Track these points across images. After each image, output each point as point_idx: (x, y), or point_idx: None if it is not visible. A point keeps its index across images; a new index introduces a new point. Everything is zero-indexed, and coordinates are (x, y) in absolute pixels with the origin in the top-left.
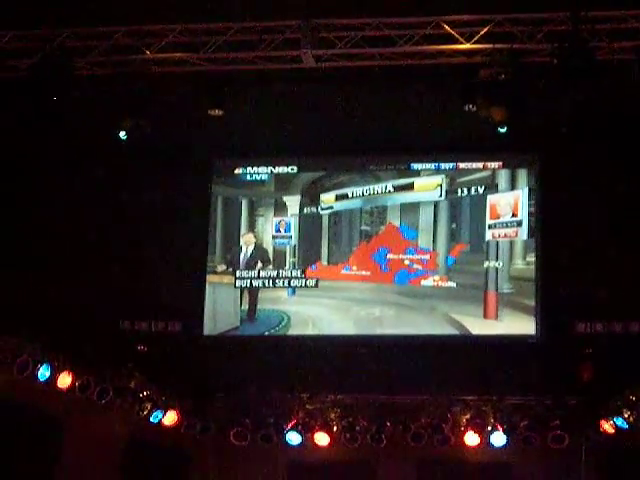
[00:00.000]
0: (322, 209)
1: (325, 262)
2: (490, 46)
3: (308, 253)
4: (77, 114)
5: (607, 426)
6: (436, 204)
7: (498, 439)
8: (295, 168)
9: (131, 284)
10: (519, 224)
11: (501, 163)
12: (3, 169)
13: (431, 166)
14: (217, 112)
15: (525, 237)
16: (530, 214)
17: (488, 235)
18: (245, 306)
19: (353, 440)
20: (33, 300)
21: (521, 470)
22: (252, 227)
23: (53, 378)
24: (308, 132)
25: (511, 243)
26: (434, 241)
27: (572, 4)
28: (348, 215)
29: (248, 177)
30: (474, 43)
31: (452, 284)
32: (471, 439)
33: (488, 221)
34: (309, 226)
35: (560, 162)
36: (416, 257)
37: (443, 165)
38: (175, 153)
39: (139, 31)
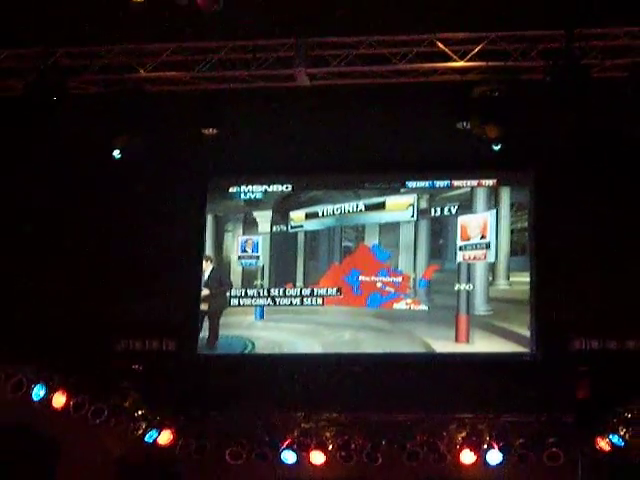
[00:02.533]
0: (292, 227)
1: (300, 283)
2: (484, 64)
3: (279, 274)
4: (71, 133)
5: (603, 443)
6: (417, 223)
7: (494, 457)
8: (290, 187)
9: (126, 303)
10: (487, 246)
11: (496, 181)
12: None
13: (426, 184)
14: (211, 131)
15: (493, 259)
16: (517, 230)
17: (459, 257)
18: (205, 332)
19: (348, 458)
20: (27, 320)
21: None
22: (219, 245)
23: (47, 398)
24: (303, 150)
25: (494, 263)
26: (415, 261)
27: (565, 22)
28: (326, 232)
29: (242, 196)
30: (468, 61)
31: (424, 307)
32: (467, 457)
33: (459, 242)
34: (281, 245)
35: (555, 179)
36: (388, 279)
37: (437, 183)
38: (169, 172)
39: (133, 50)
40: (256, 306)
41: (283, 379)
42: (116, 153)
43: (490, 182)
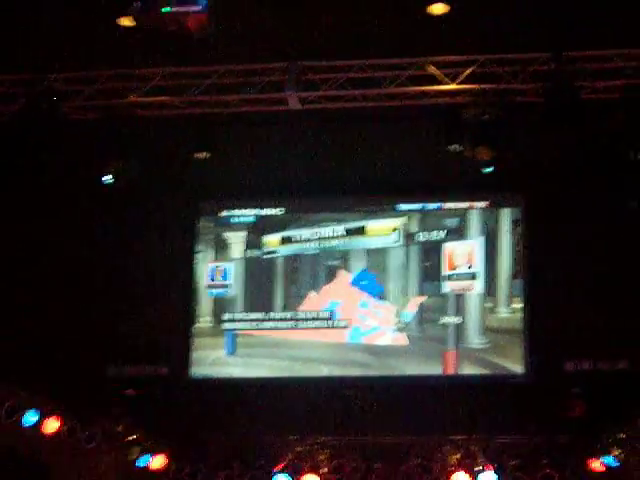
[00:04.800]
0: (265, 253)
1: (278, 310)
2: (475, 86)
3: (254, 304)
4: (61, 157)
5: (596, 464)
6: (407, 249)
7: (488, 479)
8: (282, 210)
9: (117, 328)
10: (474, 277)
11: (488, 203)
12: None
13: (418, 206)
14: (203, 155)
15: (481, 291)
16: (519, 252)
17: (446, 287)
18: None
19: None
20: (20, 346)
21: None
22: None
23: (40, 423)
24: (295, 174)
25: (494, 290)
26: (405, 289)
27: (556, 44)
28: (309, 255)
29: (234, 219)
30: (459, 83)
31: (408, 343)
32: (461, 479)
33: (445, 271)
34: (256, 271)
35: (547, 201)
36: (370, 311)
37: (429, 206)
38: (161, 196)
39: (124, 75)
40: (228, 336)
41: (276, 402)
42: (107, 178)
43: (482, 204)
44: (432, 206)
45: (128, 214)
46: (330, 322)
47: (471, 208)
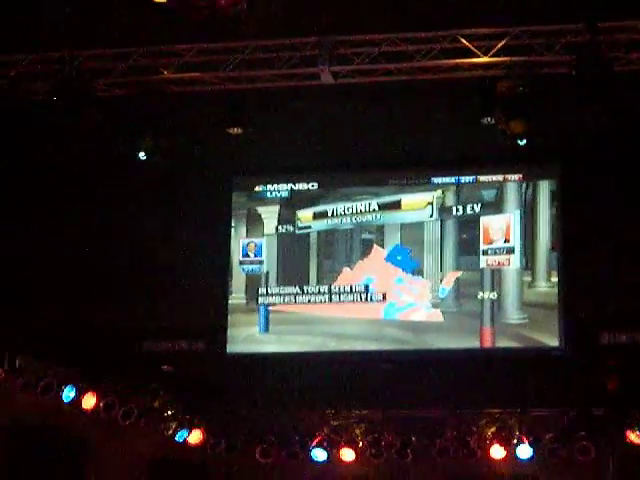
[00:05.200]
0: (299, 228)
1: (314, 285)
2: (507, 59)
3: (287, 279)
4: (96, 135)
5: (633, 436)
6: (443, 223)
7: (524, 452)
8: (316, 185)
9: (154, 304)
10: (510, 251)
11: (521, 176)
12: (21, 192)
13: (452, 180)
14: (236, 130)
15: (518, 266)
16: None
17: (482, 262)
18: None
19: (379, 455)
20: (57, 322)
21: None
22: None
23: (77, 399)
24: (328, 148)
25: (532, 264)
26: (441, 263)
27: (589, 15)
28: (343, 230)
29: (268, 194)
30: (491, 56)
31: (444, 319)
32: (497, 452)
33: (482, 246)
34: (289, 247)
35: (581, 173)
36: (405, 287)
37: (463, 179)
38: (194, 172)
39: (156, 52)
40: (261, 313)
41: (312, 377)
42: (141, 155)
43: (516, 177)
44: (466, 179)
45: (162, 191)
46: (365, 296)
47: (506, 181)
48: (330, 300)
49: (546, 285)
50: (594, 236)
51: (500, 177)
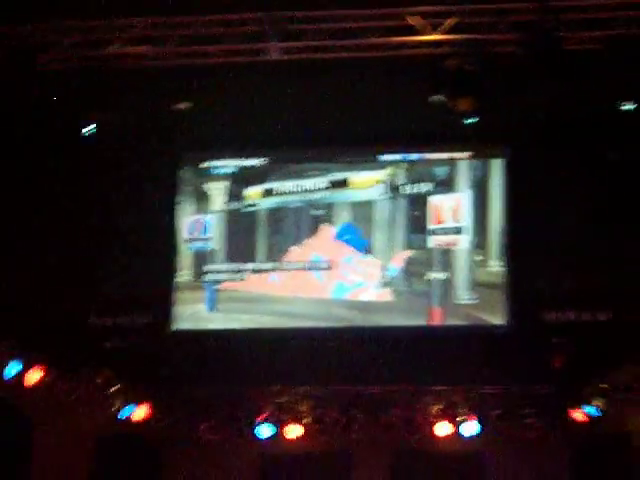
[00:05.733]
0: (247, 206)
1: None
2: (457, 37)
3: (235, 256)
4: (40, 111)
5: (578, 414)
6: (394, 202)
7: (470, 428)
8: (264, 161)
9: (99, 280)
10: (459, 231)
11: (470, 154)
12: None
13: (399, 157)
14: (184, 106)
15: (467, 247)
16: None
17: (430, 242)
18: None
19: (324, 432)
20: (1, 296)
21: (493, 459)
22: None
23: (22, 375)
24: (276, 125)
25: (484, 244)
26: (391, 243)
27: None
28: (292, 210)
29: (215, 171)
30: (439, 34)
31: (393, 299)
32: (443, 429)
33: (430, 226)
34: (237, 223)
35: (530, 153)
36: (354, 266)
37: (410, 156)
38: (140, 148)
39: (103, 26)
40: (208, 290)
41: (258, 354)
42: (87, 130)
43: (465, 155)
44: (414, 157)
45: (109, 166)
46: (313, 275)
47: (454, 159)
48: (277, 278)
49: (498, 265)
50: (542, 215)
51: (448, 155)
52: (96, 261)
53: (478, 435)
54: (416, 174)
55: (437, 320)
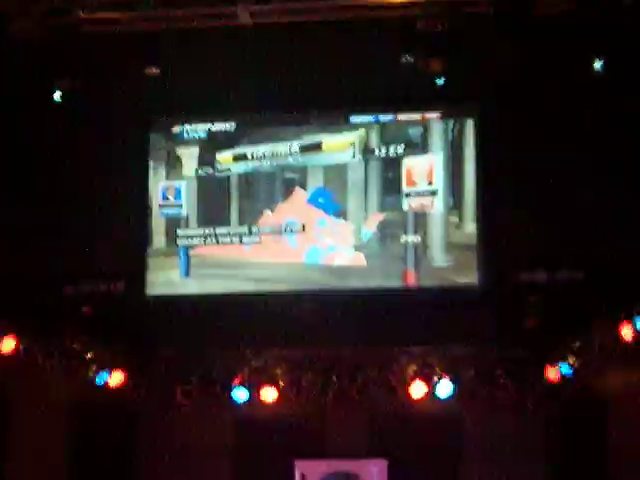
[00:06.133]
0: (219, 171)
1: (237, 226)
2: None
3: (208, 221)
4: (9, 78)
5: (552, 373)
6: (366, 165)
7: (444, 389)
8: (234, 125)
9: (72, 246)
10: (433, 193)
11: (440, 114)
12: None
13: (371, 119)
14: (154, 70)
15: (442, 210)
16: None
17: (404, 205)
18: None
19: (300, 395)
20: None
21: (469, 420)
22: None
23: None
24: (247, 89)
25: (459, 205)
26: (365, 206)
27: None
28: (264, 175)
29: (186, 135)
30: None
31: (367, 263)
32: (418, 390)
33: (404, 189)
34: (209, 189)
35: (500, 113)
36: (328, 229)
37: (382, 117)
38: (112, 113)
39: None
40: (182, 256)
41: (232, 318)
42: (57, 96)
43: (435, 115)
44: (385, 118)
45: (79, 133)
46: (286, 238)
47: (425, 120)
48: (251, 243)
49: (474, 227)
50: (514, 175)
51: (419, 115)
52: (69, 228)
53: (453, 396)
54: (389, 136)
55: (411, 283)
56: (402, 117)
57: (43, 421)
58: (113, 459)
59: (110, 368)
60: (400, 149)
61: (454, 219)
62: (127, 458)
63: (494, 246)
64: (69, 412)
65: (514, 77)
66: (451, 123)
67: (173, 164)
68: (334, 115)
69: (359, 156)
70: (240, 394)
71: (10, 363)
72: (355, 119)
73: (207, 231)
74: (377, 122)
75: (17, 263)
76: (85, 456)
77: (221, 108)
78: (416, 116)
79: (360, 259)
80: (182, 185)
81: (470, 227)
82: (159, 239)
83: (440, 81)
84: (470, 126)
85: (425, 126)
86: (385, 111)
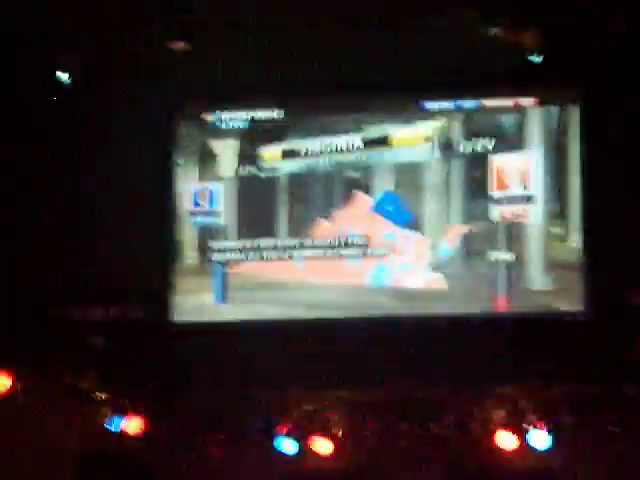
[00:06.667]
0: (264, 170)
1: (283, 240)
2: None
3: (251, 232)
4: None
5: None
6: (446, 163)
7: (539, 440)
8: (282, 113)
9: (79, 261)
10: (530, 199)
11: (536, 100)
12: None
13: (450, 105)
14: (182, 46)
15: (541, 220)
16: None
17: (494, 214)
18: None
19: (359, 446)
20: None
21: (568, 476)
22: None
23: None
24: (297, 69)
25: (565, 215)
26: (444, 218)
27: None
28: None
29: (223, 125)
30: None
31: (447, 286)
32: (506, 440)
33: (493, 193)
34: (252, 192)
35: (612, 98)
36: (398, 245)
37: (463, 103)
38: (129, 97)
39: None
40: (217, 276)
41: (277, 351)
42: (64, 77)
43: (530, 101)
44: (468, 104)
45: (90, 119)
46: (346, 253)
47: (520, 107)
48: (302, 260)
49: (580, 240)
50: (630, 177)
51: (510, 101)
52: (78, 241)
53: (550, 447)
54: (473, 127)
55: (502, 310)
56: (488, 103)
57: (46, 474)
58: None
59: (125, 412)
60: (488, 144)
61: (556, 231)
62: None
63: (605, 264)
64: (76, 463)
65: (630, 52)
66: (553, 111)
67: (206, 161)
68: (403, 100)
69: (437, 153)
70: (286, 445)
71: (6, 406)
72: (430, 105)
73: (248, 244)
74: (458, 109)
75: (9, 278)
76: None
77: (265, 91)
78: (507, 102)
79: (439, 281)
80: (218, 188)
81: (576, 241)
82: (188, 254)
83: (536, 58)
84: (575, 115)
85: (519, 115)
86: (467, 95)
